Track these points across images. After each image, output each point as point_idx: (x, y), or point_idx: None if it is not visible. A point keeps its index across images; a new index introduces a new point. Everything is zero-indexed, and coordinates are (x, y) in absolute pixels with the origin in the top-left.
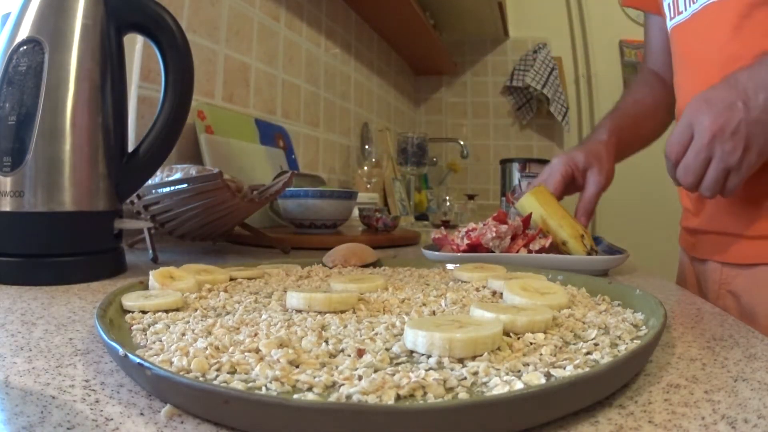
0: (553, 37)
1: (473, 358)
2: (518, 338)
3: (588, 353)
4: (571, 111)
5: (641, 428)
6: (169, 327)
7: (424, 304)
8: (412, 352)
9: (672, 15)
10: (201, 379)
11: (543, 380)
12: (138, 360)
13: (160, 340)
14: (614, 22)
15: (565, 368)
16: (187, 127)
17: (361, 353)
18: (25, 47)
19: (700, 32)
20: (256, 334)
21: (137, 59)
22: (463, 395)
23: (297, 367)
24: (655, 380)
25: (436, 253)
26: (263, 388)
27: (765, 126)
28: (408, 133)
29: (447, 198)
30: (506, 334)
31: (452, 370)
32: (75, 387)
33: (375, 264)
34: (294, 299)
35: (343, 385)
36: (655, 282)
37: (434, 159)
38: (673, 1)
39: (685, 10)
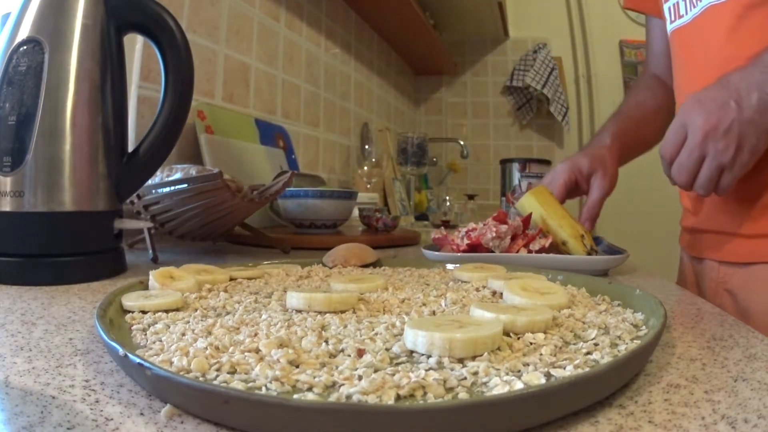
0: (553, 37)
1: (473, 358)
2: (518, 338)
3: (588, 353)
4: (571, 111)
5: (641, 428)
6: (169, 327)
7: (424, 304)
8: (412, 352)
9: (673, 18)
10: (201, 379)
11: (543, 380)
12: (138, 360)
13: (160, 340)
14: (614, 22)
15: (565, 368)
16: (187, 127)
17: (361, 353)
18: (25, 47)
19: (699, 35)
20: (256, 334)
21: (137, 59)
22: (463, 395)
23: (297, 367)
24: (655, 380)
25: (436, 253)
26: (263, 388)
27: (757, 125)
28: (408, 133)
29: (447, 198)
30: (506, 334)
31: (452, 370)
32: (75, 387)
33: (375, 264)
34: (294, 299)
35: (343, 385)
36: (655, 282)
37: (434, 159)
38: (674, 5)
39: (686, 13)
